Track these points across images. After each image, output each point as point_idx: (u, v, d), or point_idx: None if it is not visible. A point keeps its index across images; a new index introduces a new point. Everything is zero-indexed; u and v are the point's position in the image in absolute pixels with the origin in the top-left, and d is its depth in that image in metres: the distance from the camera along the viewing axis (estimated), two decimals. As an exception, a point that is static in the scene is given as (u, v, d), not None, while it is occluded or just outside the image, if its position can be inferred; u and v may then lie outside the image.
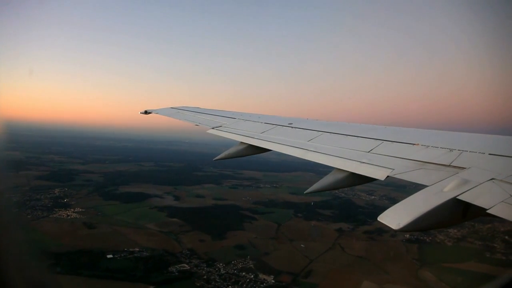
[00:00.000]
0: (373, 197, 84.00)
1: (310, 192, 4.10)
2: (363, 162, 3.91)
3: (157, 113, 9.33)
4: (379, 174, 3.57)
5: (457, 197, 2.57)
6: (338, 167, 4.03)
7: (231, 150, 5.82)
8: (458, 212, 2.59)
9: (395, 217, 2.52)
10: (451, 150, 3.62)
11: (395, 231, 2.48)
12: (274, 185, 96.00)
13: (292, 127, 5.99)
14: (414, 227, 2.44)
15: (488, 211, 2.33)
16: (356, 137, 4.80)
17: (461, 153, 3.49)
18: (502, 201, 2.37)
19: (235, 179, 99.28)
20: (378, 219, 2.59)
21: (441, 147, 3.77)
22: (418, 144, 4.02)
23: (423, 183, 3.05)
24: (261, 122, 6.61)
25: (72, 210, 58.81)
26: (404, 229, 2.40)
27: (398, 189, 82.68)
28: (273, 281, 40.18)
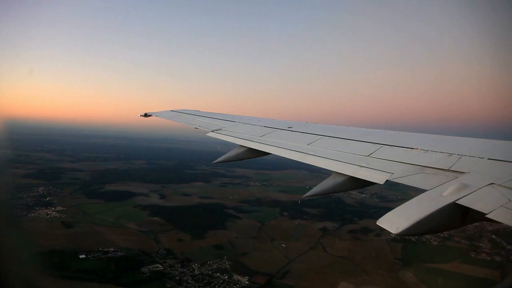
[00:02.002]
0: (363, 195, 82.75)
1: (309, 196, 4.11)
2: (362, 166, 3.92)
3: (156, 116, 9.42)
4: (378, 178, 3.57)
5: (456, 202, 2.57)
6: (337, 171, 4.03)
7: (231, 153, 5.82)
8: (457, 216, 2.60)
9: (394, 221, 2.54)
10: (450, 154, 3.62)
11: (395, 235, 2.48)
12: (265, 183, 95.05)
13: (291, 131, 6.01)
14: (413, 232, 2.45)
15: (487, 216, 2.32)
16: (355, 141, 4.82)
17: (460, 157, 3.49)
18: (501, 206, 2.36)
19: (225, 177, 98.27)
20: (377, 223, 2.59)
21: (440, 152, 3.77)
22: (417, 149, 4.03)
23: (422, 188, 3.05)
24: (261, 126, 6.65)
25: (53, 208, 57.95)
26: (403, 233, 2.41)
27: (390, 188, 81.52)
28: (247, 282, 39.17)
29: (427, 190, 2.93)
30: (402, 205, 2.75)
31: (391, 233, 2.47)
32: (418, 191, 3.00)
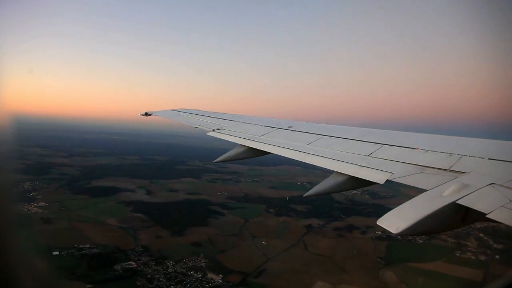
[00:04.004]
0: (355, 191, 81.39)
1: (309, 196, 4.13)
2: (363, 166, 3.94)
3: (157, 115, 9.54)
4: (379, 178, 3.58)
5: (457, 202, 2.56)
6: (338, 171, 4.04)
7: (231, 152, 5.84)
8: (457, 216, 2.59)
9: (394, 221, 2.55)
10: (450, 154, 3.63)
11: (395, 235, 2.49)
12: (256, 179, 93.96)
13: (291, 130, 6.05)
14: (413, 231, 2.46)
15: (487, 216, 2.32)
16: (355, 141, 4.84)
17: (461, 157, 3.51)
18: (501, 206, 2.36)
19: (217, 173, 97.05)
20: (378, 222, 2.61)
21: (440, 152, 3.78)
22: (418, 148, 4.04)
23: (422, 187, 3.04)
24: (261, 125, 6.69)
25: (35, 204, 57.32)
26: (404, 233, 2.43)
27: (383, 185, 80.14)
28: (220, 281, 38.34)
29: (427, 190, 2.93)
30: (402, 204, 2.72)
31: (392, 232, 2.48)
32: (418, 190, 2.99)
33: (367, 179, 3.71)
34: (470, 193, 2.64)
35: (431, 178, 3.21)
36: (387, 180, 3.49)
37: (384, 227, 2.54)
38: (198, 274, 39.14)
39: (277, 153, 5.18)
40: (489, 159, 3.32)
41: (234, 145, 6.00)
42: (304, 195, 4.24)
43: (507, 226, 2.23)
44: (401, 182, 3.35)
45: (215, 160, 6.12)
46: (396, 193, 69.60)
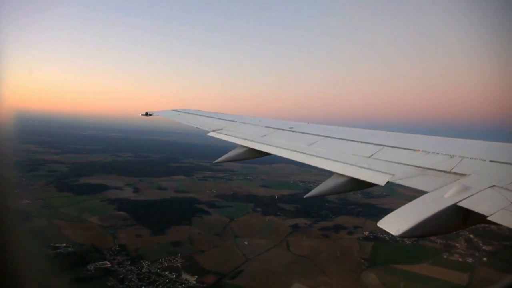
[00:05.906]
0: (348, 191, 79.97)
1: (310, 197, 4.15)
2: (364, 167, 3.93)
3: (158, 115, 9.61)
4: (379, 179, 3.56)
5: (458, 204, 2.56)
6: (338, 172, 4.03)
7: (231, 153, 5.82)
8: (458, 218, 2.58)
9: (395, 223, 2.53)
10: (452, 156, 3.61)
11: (395, 237, 2.48)
12: (248, 177, 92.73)
13: (292, 131, 6.05)
14: (414, 233, 2.45)
15: (488, 218, 2.31)
16: (356, 142, 4.85)
17: (462, 159, 3.48)
18: (502, 208, 2.35)
19: (209, 171, 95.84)
20: (378, 224, 2.58)
21: (442, 154, 3.76)
22: (419, 150, 4.03)
23: (423, 189, 3.03)
24: (262, 126, 6.69)
25: (18, 202, 56.67)
26: (404, 235, 2.42)
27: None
28: (194, 282, 37.27)
29: (428, 192, 2.92)
30: (403, 206, 2.71)
31: (392, 234, 2.45)
32: (415, 191, 3.02)
33: (367, 180, 3.67)
34: (471, 195, 2.62)
35: (432, 180, 3.19)
36: (388, 182, 3.45)
37: (385, 229, 2.51)
38: (173, 275, 38.11)
39: (277, 154, 5.13)
40: (490, 161, 3.29)
41: (233, 143, 5.96)
42: (305, 196, 4.26)
43: (498, 227, 2.16)
44: (402, 183, 3.34)
45: (216, 161, 6.03)
46: (390, 192, 68.14)
